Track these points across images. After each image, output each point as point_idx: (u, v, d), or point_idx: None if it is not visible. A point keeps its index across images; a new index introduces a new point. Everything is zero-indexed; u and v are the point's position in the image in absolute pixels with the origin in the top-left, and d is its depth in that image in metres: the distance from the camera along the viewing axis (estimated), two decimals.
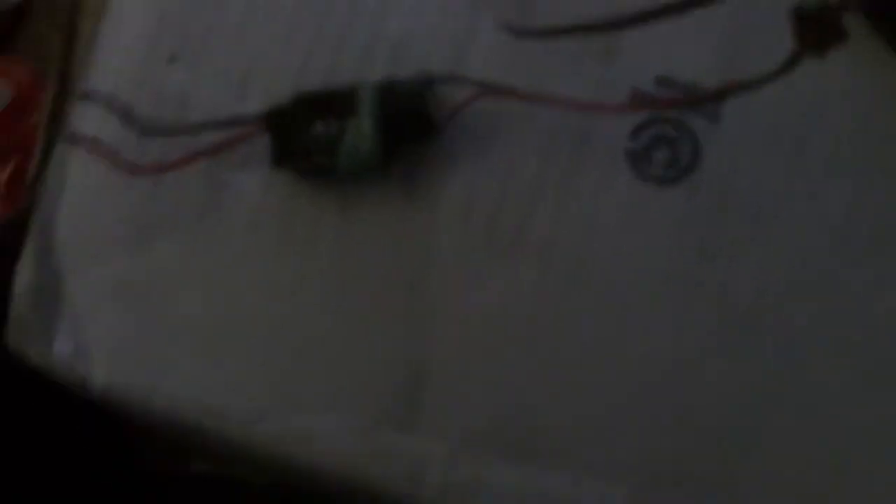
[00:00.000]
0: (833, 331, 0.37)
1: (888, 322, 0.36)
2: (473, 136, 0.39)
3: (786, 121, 0.38)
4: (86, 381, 0.41)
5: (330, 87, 0.40)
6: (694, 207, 0.38)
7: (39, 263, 0.42)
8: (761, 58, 0.34)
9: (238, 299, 0.40)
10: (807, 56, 0.33)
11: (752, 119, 0.38)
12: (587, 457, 0.37)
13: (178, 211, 0.41)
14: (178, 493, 0.56)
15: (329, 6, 0.42)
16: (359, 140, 0.38)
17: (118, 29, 0.44)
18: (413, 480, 0.38)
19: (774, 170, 0.38)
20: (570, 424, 0.38)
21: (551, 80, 0.39)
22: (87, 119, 0.42)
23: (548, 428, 0.38)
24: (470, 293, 0.39)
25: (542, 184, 0.39)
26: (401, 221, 0.39)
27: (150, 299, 0.41)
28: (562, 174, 0.39)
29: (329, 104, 0.39)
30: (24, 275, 0.42)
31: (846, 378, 0.36)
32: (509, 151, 0.39)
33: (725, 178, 0.38)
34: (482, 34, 0.40)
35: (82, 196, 0.42)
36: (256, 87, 0.41)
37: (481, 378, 0.38)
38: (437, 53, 0.40)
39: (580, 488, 0.37)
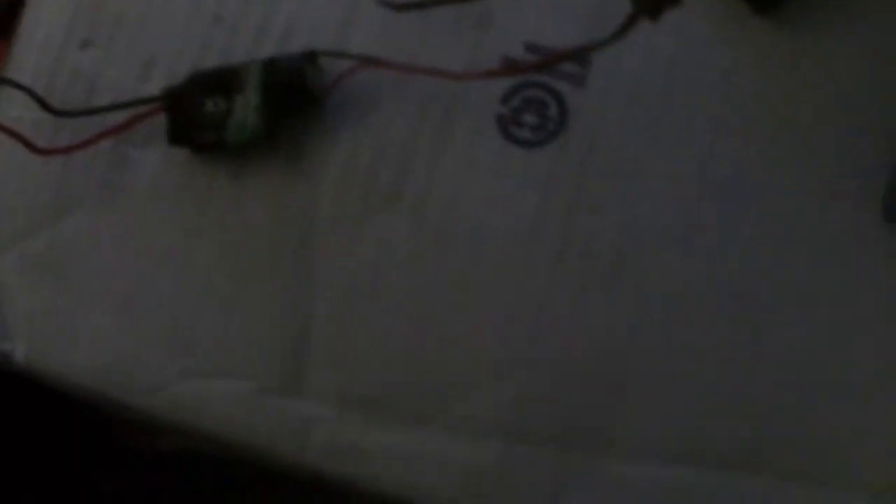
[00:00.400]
0: (695, 275, 0.38)
1: (744, 265, 0.37)
2: (353, 106, 0.41)
3: (648, 80, 0.39)
4: (9, 357, 0.43)
5: (221, 67, 0.42)
6: (561, 167, 0.39)
7: None
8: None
9: (139, 270, 0.42)
10: (641, 19, 0.35)
11: (616, 81, 0.39)
12: (460, 411, 0.39)
13: (85, 188, 0.43)
14: (145, 470, 0.58)
15: None
16: (245, 114, 0.40)
17: (38, 16, 0.46)
18: (298, 443, 0.40)
19: (637, 128, 0.39)
20: (442, 380, 0.39)
21: (428, 50, 0.41)
22: (6, 104, 0.45)
23: (423, 384, 0.39)
24: (348, 252, 0.40)
25: (416, 146, 0.40)
26: (285, 188, 0.41)
27: (63, 273, 0.43)
28: (434, 137, 0.40)
29: (220, 82, 0.41)
30: None
31: (708, 323, 0.37)
32: (385, 118, 0.41)
33: (591, 138, 0.39)
34: (364, 11, 0.42)
35: (1, 179, 0.44)
36: (159, 70, 0.44)
37: (360, 338, 0.40)
38: (323, 33, 0.42)
39: (456, 443, 0.39)
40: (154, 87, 0.43)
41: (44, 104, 0.43)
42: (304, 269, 0.40)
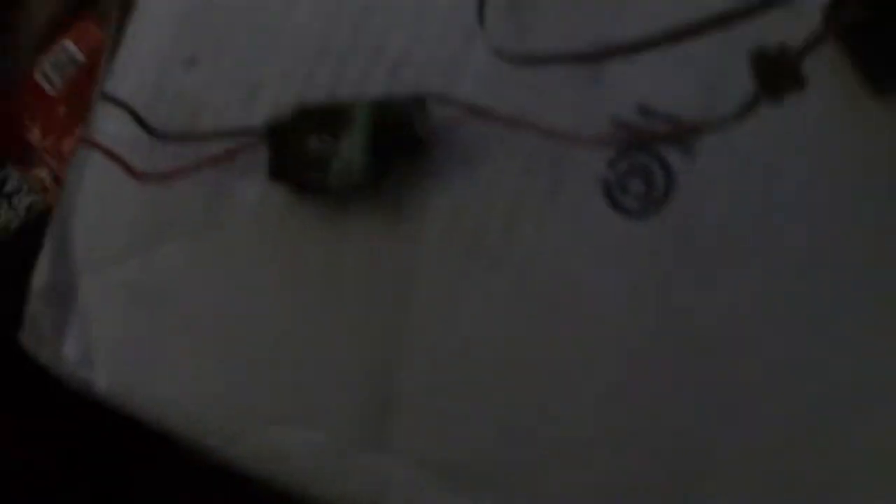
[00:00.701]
0: (796, 363, 0.37)
1: (848, 351, 0.37)
2: (460, 157, 0.40)
3: (759, 156, 0.38)
4: (90, 384, 0.43)
5: (328, 102, 0.42)
6: (664, 240, 0.38)
7: (55, 264, 0.44)
8: (739, 93, 0.35)
9: (231, 308, 0.42)
10: (764, 100, 0.34)
11: (727, 154, 0.38)
12: (546, 487, 0.38)
13: (183, 217, 0.43)
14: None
15: (336, 22, 0.43)
16: (351, 157, 0.40)
17: (142, 29, 0.46)
18: (375, 502, 0.40)
19: (744, 204, 0.38)
20: (531, 452, 0.38)
21: (537, 103, 0.40)
22: (105, 120, 0.45)
23: (511, 455, 0.39)
24: (447, 309, 0.40)
25: (522, 205, 0.40)
26: (386, 236, 0.41)
27: (154, 303, 0.43)
28: (540, 197, 0.40)
29: (326, 119, 0.41)
30: (40, 274, 0.45)
31: (806, 413, 0.37)
32: (492, 173, 0.40)
33: (696, 212, 0.38)
34: (476, 57, 0.41)
35: (96, 199, 0.45)
36: (264, 97, 0.43)
37: (453, 401, 0.39)
38: (433, 73, 0.42)
39: None
40: (258, 114, 0.43)
41: (144, 125, 0.43)
42: (399, 323, 0.40)
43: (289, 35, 0.44)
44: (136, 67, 0.45)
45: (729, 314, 0.38)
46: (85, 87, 0.59)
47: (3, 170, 0.61)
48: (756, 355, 0.37)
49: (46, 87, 0.61)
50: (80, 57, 0.61)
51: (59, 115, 0.61)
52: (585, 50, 0.38)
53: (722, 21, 0.35)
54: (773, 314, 0.38)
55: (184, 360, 0.42)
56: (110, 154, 0.43)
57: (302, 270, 0.41)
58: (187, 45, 0.45)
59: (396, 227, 0.41)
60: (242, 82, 0.44)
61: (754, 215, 0.38)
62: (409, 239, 0.41)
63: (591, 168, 0.39)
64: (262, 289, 0.42)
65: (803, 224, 0.38)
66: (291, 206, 0.42)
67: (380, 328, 0.40)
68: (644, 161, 0.39)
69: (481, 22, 0.41)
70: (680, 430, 0.38)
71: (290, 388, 0.41)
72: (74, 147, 0.49)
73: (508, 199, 0.40)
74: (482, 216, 0.40)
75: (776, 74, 0.34)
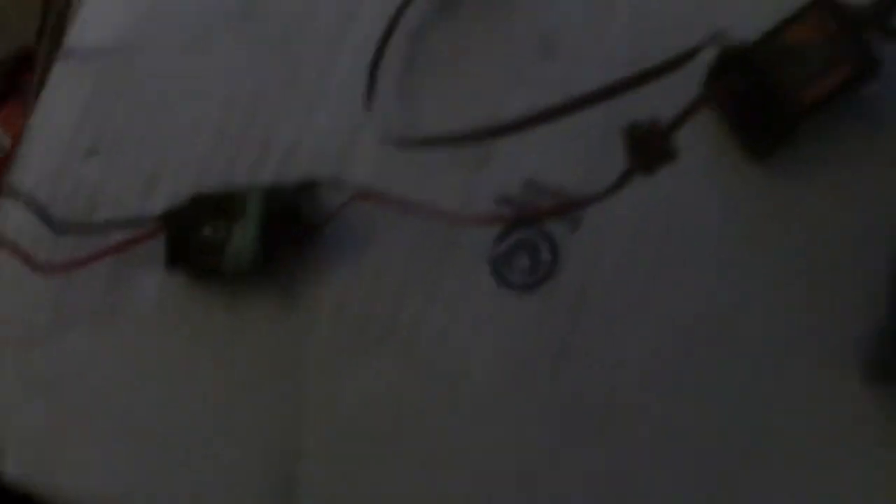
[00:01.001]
0: (683, 423, 0.38)
1: (731, 415, 0.37)
2: (350, 240, 0.41)
3: (643, 225, 0.39)
4: (2, 475, 0.43)
5: (222, 190, 0.42)
6: (551, 312, 0.39)
7: None
8: (618, 166, 0.36)
9: (134, 394, 0.42)
10: (637, 173, 0.35)
11: (611, 225, 0.39)
12: None
13: (83, 306, 0.43)
14: None
15: (229, 112, 0.44)
16: (243, 242, 0.40)
17: (45, 120, 0.46)
18: None
19: (631, 272, 0.39)
20: None
21: (426, 186, 0.41)
22: (12, 214, 0.45)
23: None
24: (338, 389, 0.40)
25: (409, 285, 0.40)
26: (279, 320, 0.41)
27: (57, 392, 0.43)
28: (428, 276, 0.40)
29: (220, 206, 0.41)
30: None
31: (694, 473, 0.37)
32: (380, 255, 0.41)
33: (583, 283, 0.39)
34: (365, 142, 0.42)
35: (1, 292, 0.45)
36: (162, 186, 0.44)
37: (348, 476, 0.40)
38: (324, 159, 0.42)
39: None
40: (156, 203, 0.43)
41: (44, 218, 0.43)
42: (294, 404, 0.40)
43: (186, 125, 0.44)
44: (39, 158, 0.46)
45: (617, 382, 0.38)
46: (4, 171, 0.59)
47: None
48: (645, 421, 0.38)
49: None
50: (6, 143, 0.61)
51: None
52: (469, 131, 0.39)
53: (598, 97, 0.36)
54: (661, 380, 0.38)
55: (87, 449, 0.42)
56: (11, 249, 0.43)
57: (200, 359, 0.42)
58: (88, 135, 0.45)
59: (289, 310, 0.41)
60: (141, 172, 0.44)
61: (639, 283, 0.39)
62: (300, 324, 0.41)
63: (478, 246, 0.40)
64: (163, 377, 0.42)
65: (688, 288, 0.38)
66: (189, 294, 0.42)
67: (277, 416, 0.41)
68: (529, 236, 0.39)
69: (368, 108, 0.41)
70: (566, 498, 0.38)
71: (193, 478, 0.41)
72: None
73: (396, 280, 0.41)
74: (370, 298, 0.41)
75: (647, 148, 0.35)
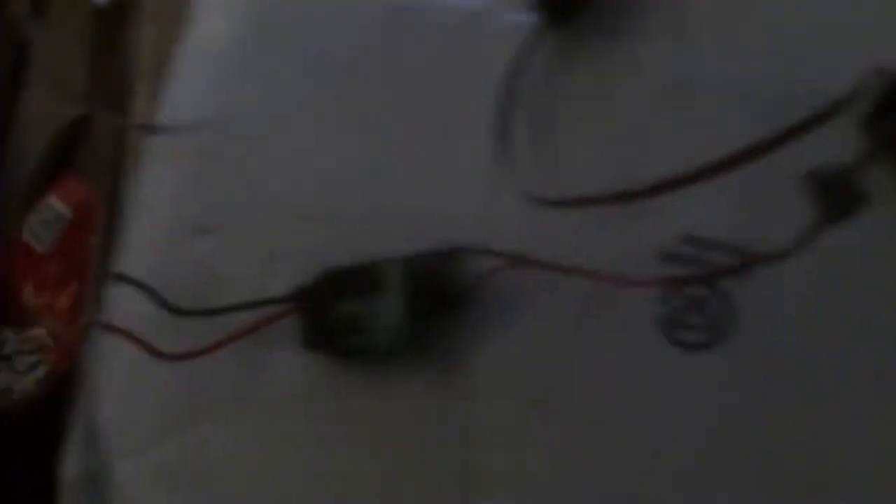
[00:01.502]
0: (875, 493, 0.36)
1: None
2: (501, 307, 0.39)
3: (828, 276, 0.37)
4: None
5: (356, 264, 0.40)
6: (729, 371, 0.37)
7: (85, 453, 0.42)
8: (790, 214, 0.34)
9: (274, 482, 0.40)
10: (829, 223, 0.33)
11: (790, 277, 0.37)
12: None
13: (215, 393, 0.41)
14: None
15: (350, 185, 0.42)
16: (389, 319, 0.38)
17: (145, 202, 0.44)
18: None
19: (814, 324, 0.37)
20: None
21: (576, 244, 0.39)
22: (120, 302, 0.43)
23: None
24: (509, 463, 0.38)
25: (574, 352, 0.38)
26: (434, 395, 0.39)
27: (193, 486, 0.41)
28: (593, 341, 0.38)
29: (356, 282, 0.39)
30: (71, 465, 0.42)
31: None
32: (539, 320, 0.39)
33: (764, 339, 0.37)
34: (505, 203, 0.40)
35: (121, 384, 0.43)
36: (283, 262, 0.42)
37: None
38: (461, 224, 0.40)
39: None
40: (280, 281, 0.41)
41: (164, 303, 0.41)
42: (460, 483, 0.38)
43: (305, 199, 0.42)
44: (146, 240, 0.43)
45: (806, 445, 0.36)
46: (74, 242, 0.58)
47: (0, 332, 0.59)
48: (838, 485, 0.36)
49: (35, 245, 0.60)
50: (67, 213, 0.59)
51: (51, 273, 0.59)
52: (617, 191, 0.37)
53: (759, 152, 0.34)
54: (855, 441, 0.36)
55: None
56: (131, 337, 0.40)
57: (346, 438, 0.39)
58: (197, 213, 0.43)
59: (444, 384, 0.39)
60: (259, 248, 0.42)
61: (828, 337, 0.37)
62: (459, 395, 0.39)
63: (644, 306, 0.38)
64: (305, 459, 0.40)
65: (879, 343, 0.36)
66: (329, 373, 0.40)
67: (439, 489, 0.38)
68: (700, 294, 0.37)
69: (505, 167, 0.39)
70: None
71: None
72: (84, 331, 0.47)
73: (560, 344, 0.39)
74: (535, 364, 0.38)
75: (838, 195, 0.33)
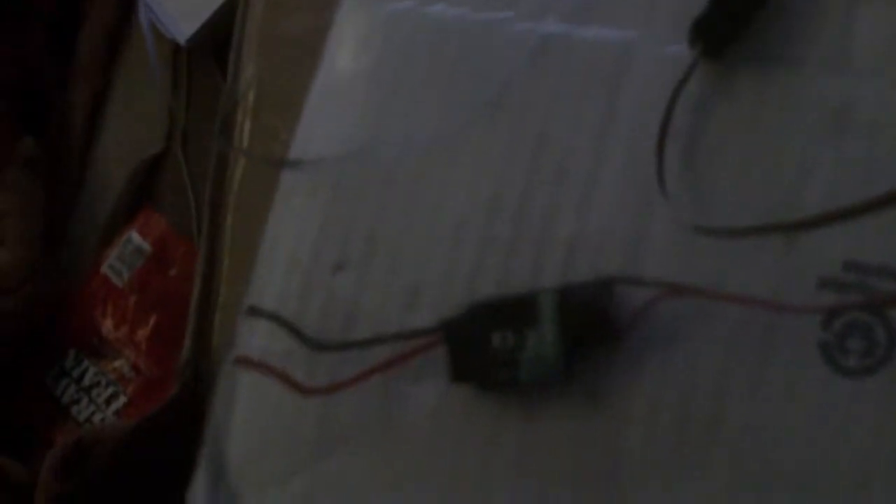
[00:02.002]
0: None
1: None
2: (655, 336, 0.38)
3: None
4: None
5: (507, 295, 0.39)
6: (893, 398, 0.36)
7: (213, 488, 0.41)
8: None
9: None
10: None
11: None
12: None
13: (354, 427, 0.41)
14: None
15: (497, 209, 0.41)
16: (541, 350, 0.37)
17: (279, 236, 0.44)
18: None
19: None
20: None
21: (732, 273, 0.38)
22: (253, 335, 0.42)
23: None
24: (663, 497, 0.37)
25: (731, 381, 0.37)
26: (586, 428, 0.38)
27: None
28: (750, 370, 0.37)
29: (507, 313, 0.38)
30: (199, 499, 0.41)
31: None
32: (693, 349, 0.38)
33: None
34: (657, 231, 0.39)
35: (255, 416, 0.42)
36: (427, 296, 0.41)
37: None
38: (612, 253, 0.40)
39: None
40: (422, 316, 0.40)
41: (302, 337, 0.41)
42: None
43: (446, 230, 0.41)
44: (280, 276, 0.43)
45: None
46: (153, 276, 0.60)
47: (80, 363, 0.60)
48: None
49: (114, 279, 0.60)
50: (147, 247, 0.60)
51: (130, 306, 0.60)
52: (776, 222, 0.36)
53: None
54: None
55: None
56: (272, 371, 0.40)
57: (493, 469, 0.39)
58: (334, 248, 0.43)
59: (596, 416, 0.38)
60: (401, 283, 0.41)
61: None
62: (611, 428, 0.38)
63: (804, 333, 0.37)
64: (450, 495, 0.39)
65: None
66: (476, 406, 0.39)
67: None
68: (860, 317, 0.37)
69: (663, 192, 0.38)
70: None
71: None
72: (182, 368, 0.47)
73: (715, 376, 0.38)
74: (688, 399, 0.38)
75: None
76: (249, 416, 0.42)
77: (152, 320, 0.59)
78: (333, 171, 0.44)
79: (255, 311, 0.42)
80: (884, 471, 0.36)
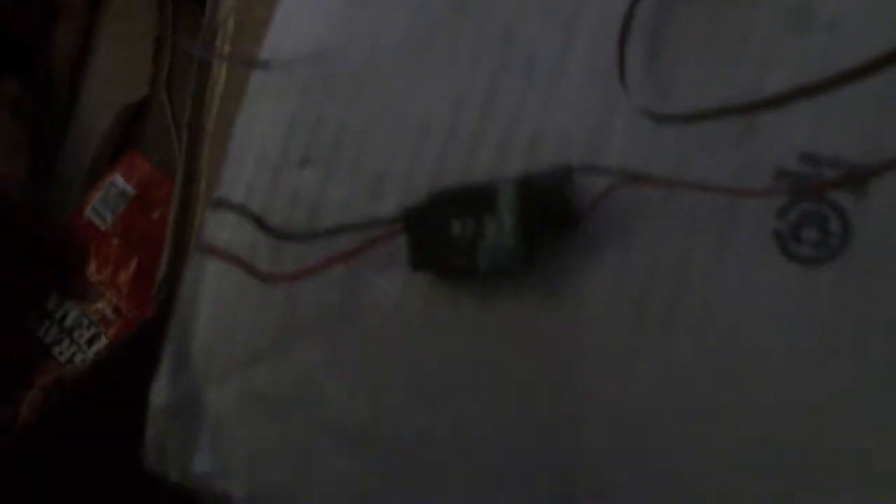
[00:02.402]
0: None
1: None
2: (614, 225, 0.38)
3: None
4: (226, 497, 0.40)
5: (468, 184, 0.39)
6: (849, 286, 0.36)
7: (176, 378, 0.42)
8: None
9: (377, 404, 0.40)
10: None
11: None
12: None
13: (316, 315, 0.41)
14: None
15: (463, 105, 0.42)
16: (500, 238, 0.38)
17: (248, 135, 0.44)
18: None
19: None
20: None
21: (691, 162, 0.38)
22: (220, 227, 0.42)
23: None
24: (619, 382, 0.37)
25: (688, 268, 0.38)
26: (543, 316, 0.38)
27: (289, 409, 0.41)
28: (708, 257, 0.37)
29: (467, 202, 0.39)
30: (160, 390, 0.42)
31: None
32: (652, 238, 0.38)
33: (880, 253, 0.36)
34: (618, 122, 0.39)
35: (218, 306, 0.42)
36: (391, 187, 0.42)
37: (635, 473, 0.37)
38: (574, 144, 0.40)
39: None
40: (387, 206, 0.41)
41: (266, 227, 0.41)
42: (568, 403, 0.38)
43: (412, 126, 0.42)
44: (248, 172, 0.43)
45: None
46: (136, 218, 0.61)
47: (62, 305, 0.60)
48: None
49: (98, 222, 0.61)
50: (130, 190, 0.60)
51: (113, 249, 0.61)
52: (735, 104, 0.36)
53: (883, 63, 0.33)
54: None
55: (332, 467, 0.39)
56: (235, 259, 0.40)
57: (454, 356, 0.39)
58: (300, 144, 0.43)
59: (553, 304, 0.38)
60: (366, 176, 0.42)
61: None
62: (569, 314, 0.38)
63: (761, 221, 0.37)
64: (409, 380, 0.40)
65: None
66: (435, 294, 0.40)
67: (546, 410, 0.38)
68: (816, 208, 0.37)
69: (623, 85, 0.39)
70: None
71: (455, 482, 0.38)
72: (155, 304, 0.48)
73: (673, 262, 0.38)
74: (646, 283, 0.38)
75: None
76: (213, 306, 0.43)
77: (134, 263, 0.59)
78: (303, 71, 0.44)
79: (221, 203, 0.42)
80: (840, 355, 0.36)
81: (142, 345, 0.48)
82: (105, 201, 0.62)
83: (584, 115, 0.40)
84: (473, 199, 0.39)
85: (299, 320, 0.41)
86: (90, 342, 0.60)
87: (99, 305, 0.60)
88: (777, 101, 0.35)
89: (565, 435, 0.37)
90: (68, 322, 0.61)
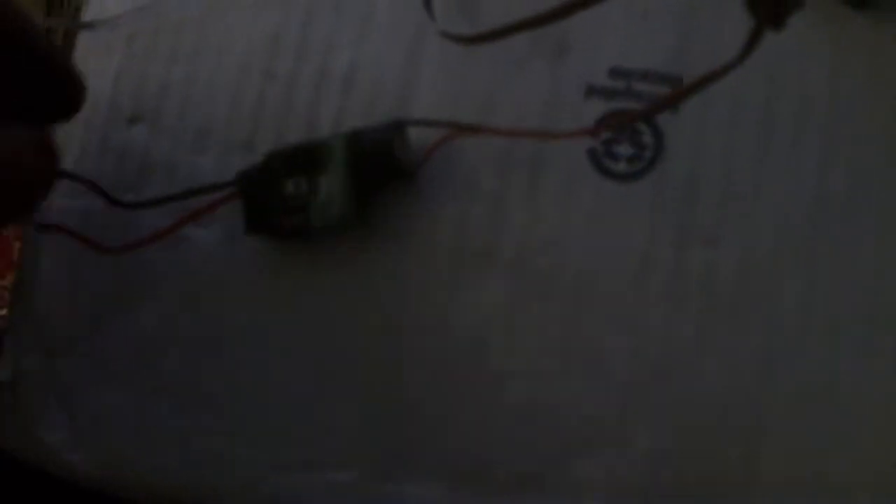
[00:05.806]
0: (823, 298, 0.36)
1: (870, 283, 0.35)
2: (445, 173, 0.39)
3: (747, 96, 0.37)
4: (73, 467, 0.40)
5: (301, 144, 0.39)
6: (664, 199, 0.37)
7: (19, 352, 0.42)
8: (717, 36, 0.35)
9: (215, 363, 0.40)
10: (766, 30, 0.32)
11: (712, 101, 0.37)
12: (582, 473, 0.36)
13: (151, 279, 0.41)
14: None
15: (277, 46, 0.42)
16: (331, 196, 0.38)
17: None
18: None
19: (741, 150, 0.37)
20: (559, 441, 0.37)
21: (503, 90, 0.39)
22: (55, 194, 0.42)
23: (538, 448, 0.37)
24: (440, 319, 0.38)
25: (505, 195, 0.38)
26: (374, 269, 0.39)
27: (130, 372, 0.41)
28: (525, 184, 0.38)
29: (299, 160, 0.39)
30: (5, 366, 0.42)
31: (840, 353, 0.35)
32: (469, 175, 0.38)
33: (692, 165, 0.37)
34: (429, 47, 0.40)
35: (56, 277, 0.42)
36: (214, 138, 0.42)
37: (465, 407, 0.38)
38: (388, 78, 0.40)
39: None
40: (211, 158, 0.41)
41: (108, 197, 0.40)
42: (395, 347, 0.38)
43: (230, 74, 0.42)
44: (78, 137, 0.43)
45: (751, 263, 0.36)
46: None
47: None
48: (775, 308, 0.36)
49: None
50: None
51: (15, 252, 0.59)
52: (541, 13, 0.36)
53: None
54: (792, 255, 0.36)
55: (174, 425, 0.40)
56: (77, 236, 0.40)
57: (286, 313, 0.40)
58: (127, 102, 0.43)
59: (383, 254, 0.39)
60: (188, 129, 0.42)
61: (753, 161, 0.37)
62: (395, 265, 0.39)
63: (574, 141, 0.37)
64: (247, 338, 0.40)
65: (805, 159, 0.36)
66: (270, 254, 0.40)
67: (377, 355, 0.38)
68: (631, 125, 0.37)
69: (429, 10, 0.39)
70: (720, 388, 0.36)
71: (297, 433, 0.39)
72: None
73: (488, 192, 0.38)
74: (464, 218, 0.39)
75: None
76: (51, 280, 0.42)
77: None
78: (125, 28, 0.43)
79: (64, 174, 0.42)
80: (658, 269, 0.37)
81: None
82: None
83: (394, 45, 0.40)
84: (306, 159, 0.39)
85: (136, 284, 0.41)
86: None
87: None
88: (574, 7, 0.35)
89: (397, 375, 0.38)
90: None
